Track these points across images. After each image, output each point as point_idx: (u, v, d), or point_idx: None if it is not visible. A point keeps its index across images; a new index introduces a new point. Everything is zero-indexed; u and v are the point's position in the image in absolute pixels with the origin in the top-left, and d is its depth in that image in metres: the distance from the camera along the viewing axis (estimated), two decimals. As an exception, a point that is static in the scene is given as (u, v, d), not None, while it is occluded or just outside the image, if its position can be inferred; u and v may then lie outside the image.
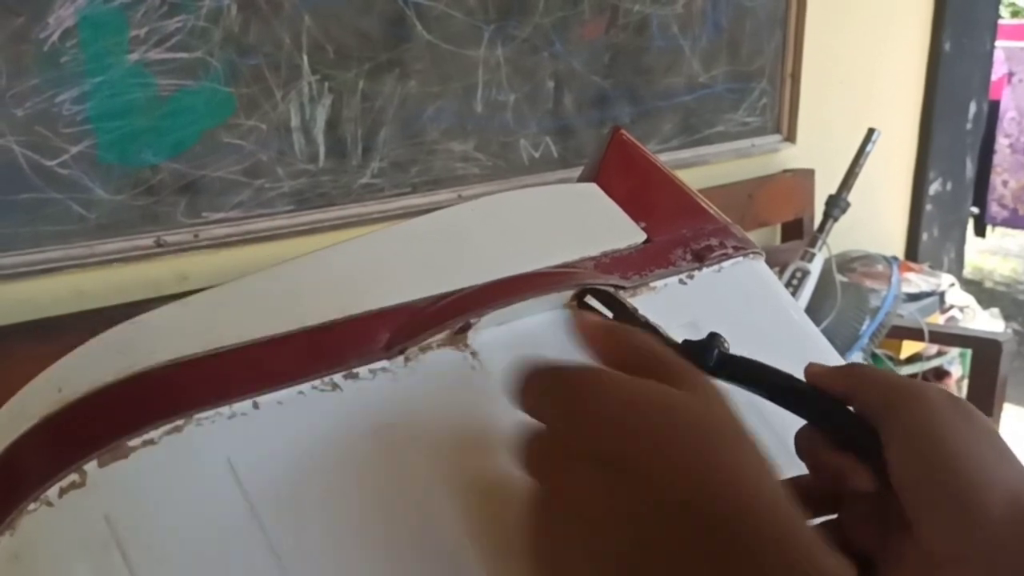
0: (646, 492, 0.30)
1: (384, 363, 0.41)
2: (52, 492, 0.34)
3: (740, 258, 0.54)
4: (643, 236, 0.53)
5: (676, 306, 0.49)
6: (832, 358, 0.53)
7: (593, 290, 0.46)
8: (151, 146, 1.11)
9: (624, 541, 0.30)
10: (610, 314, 0.45)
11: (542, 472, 0.33)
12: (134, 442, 0.35)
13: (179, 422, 0.36)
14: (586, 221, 0.52)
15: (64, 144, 1.03)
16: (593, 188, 0.55)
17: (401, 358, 0.41)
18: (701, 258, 0.53)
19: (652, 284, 0.50)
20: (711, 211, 0.57)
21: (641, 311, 0.44)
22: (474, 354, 0.43)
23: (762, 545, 0.29)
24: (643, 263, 0.51)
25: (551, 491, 0.32)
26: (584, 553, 0.31)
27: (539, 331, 0.45)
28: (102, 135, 1.06)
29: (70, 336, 0.39)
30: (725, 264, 0.54)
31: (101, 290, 1.10)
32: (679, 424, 0.31)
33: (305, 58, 1.21)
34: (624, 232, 0.53)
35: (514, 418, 0.42)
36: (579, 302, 0.47)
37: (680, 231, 0.54)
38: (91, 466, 0.35)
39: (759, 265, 0.56)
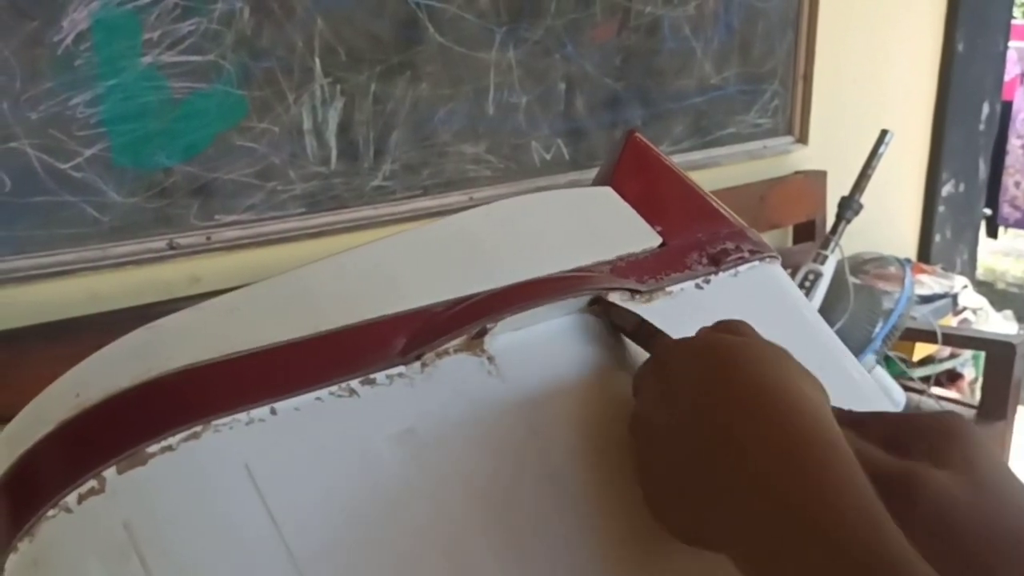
0: (722, 412, 0.36)
1: (401, 368, 0.41)
2: (71, 498, 0.34)
3: (756, 262, 0.54)
4: (659, 240, 0.53)
5: (692, 310, 0.49)
6: (848, 363, 0.53)
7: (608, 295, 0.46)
8: (164, 149, 1.11)
9: (701, 443, 0.35)
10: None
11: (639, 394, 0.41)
12: (152, 448, 0.35)
13: (197, 428, 0.36)
14: (601, 225, 0.52)
15: (78, 147, 1.04)
16: (608, 192, 0.55)
17: (418, 363, 0.41)
18: (717, 262, 0.53)
19: (668, 288, 0.50)
20: (727, 214, 0.56)
21: (658, 315, 0.44)
22: (491, 359, 0.43)
23: (795, 432, 0.34)
24: (659, 267, 0.51)
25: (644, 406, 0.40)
26: (666, 457, 0.37)
27: (556, 335, 0.45)
28: (116, 138, 1.06)
29: (84, 338, 0.39)
30: (741, 268, 0.53)
31: (114, 292, 1.10)
32: (740, 356, 0.37)
33: (317, 61, 1.21)
34: (640, 236, 0.52)
35: (530, 422, 0.42)
36: (595, 307, 0.47)
37: (696, 235, 0.54)
38: (110, 472, 0.35)
39: (775, 269, 0.55)
